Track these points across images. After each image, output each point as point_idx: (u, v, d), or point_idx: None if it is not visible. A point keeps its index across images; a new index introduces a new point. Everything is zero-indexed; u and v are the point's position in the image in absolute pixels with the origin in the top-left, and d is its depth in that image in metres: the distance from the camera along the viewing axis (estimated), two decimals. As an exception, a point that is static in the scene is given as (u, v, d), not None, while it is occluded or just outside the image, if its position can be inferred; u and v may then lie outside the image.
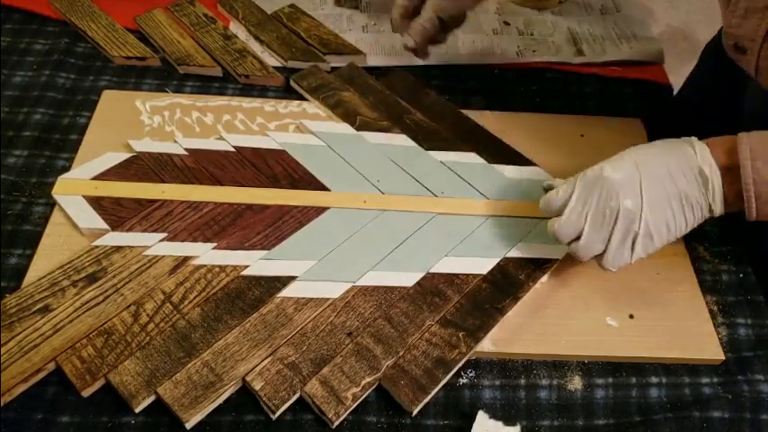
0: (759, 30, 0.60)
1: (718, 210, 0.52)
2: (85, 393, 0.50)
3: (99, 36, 0.78)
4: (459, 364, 0.53)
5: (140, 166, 0.65)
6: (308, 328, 0.54)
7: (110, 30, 0.79)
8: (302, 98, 0.74)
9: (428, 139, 0.70)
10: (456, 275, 0.58)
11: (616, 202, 0.51)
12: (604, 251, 0.53)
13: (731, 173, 0.51)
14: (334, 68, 0.78)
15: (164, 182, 0.63)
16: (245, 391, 0.52)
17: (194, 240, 0.59)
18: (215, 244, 0.59)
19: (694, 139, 0.54)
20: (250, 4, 0.85)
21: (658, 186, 0.52)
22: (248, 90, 0.76)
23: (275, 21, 0.83)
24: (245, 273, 0.57)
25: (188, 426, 0.49)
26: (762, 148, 0.50)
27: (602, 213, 0.52)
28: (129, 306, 0.54)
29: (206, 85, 0.75)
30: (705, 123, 0.61)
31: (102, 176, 0.63)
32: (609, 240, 0.53)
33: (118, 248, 0.58)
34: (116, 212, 0.60)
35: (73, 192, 0.62)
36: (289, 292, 0.56)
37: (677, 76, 0.86)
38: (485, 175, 0.67)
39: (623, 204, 0.51)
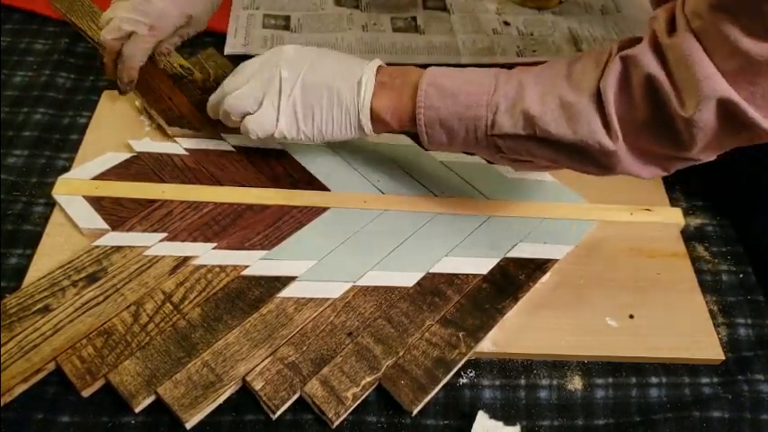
0: None
1: (366, 122, 0.55)
2: (85, 393, 0.50)
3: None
4: (460, 364, 0.53)
5: (140, 166, 0.65)
6: (308, 328, 0.54)
7: None
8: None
9: (428, 139, 0.70)
10: (456, 275, 0.58)
11: (277, 69, 0.56)
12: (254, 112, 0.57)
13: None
14: None
15: (164, 182, 0.63)
16: (245, 391, 0.52)
17: (194, 240, 0.59)
18: (215, 244, 0.59)
19: (376, 61, 0.56)
20: (223, 64, 0.76)
21: (321, 76, 0.55)
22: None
23: None
24: (245, 273, 0.57)
25: (188, 426, 0.49)
26: (440, 76, 0.53)
27: (264, 74, 0.56)
28: (130, 306, 0.54)
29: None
30: None
31: (102, 176, 0.63)
32: (261, 102, 0.56)
33: (118, 248, 0.58)
34: (116, 212, 0.60)
35: (73, 192, 0.62)
36: (289, 292, 0.56)
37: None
38: (485, 175, 0.67)
39: (282, 73, 0.55)
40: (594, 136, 0.48)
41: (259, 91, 0.56)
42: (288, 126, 0.56)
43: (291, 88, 0.55)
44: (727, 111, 0.44)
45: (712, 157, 0.49)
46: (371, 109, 0.55)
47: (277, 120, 0.56)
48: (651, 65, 0.45)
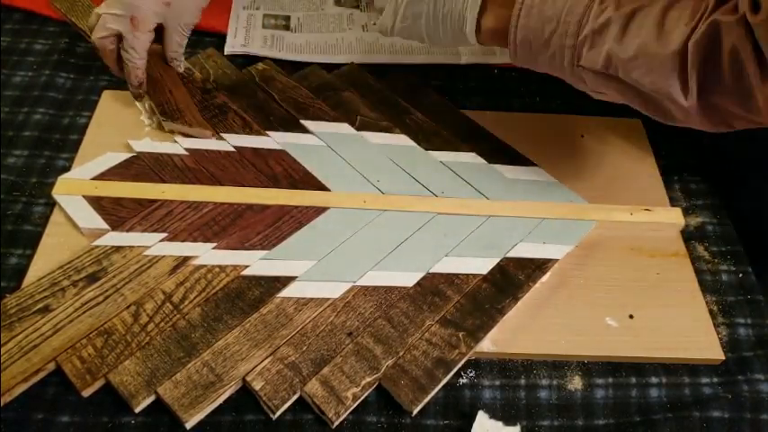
0: None
1: (469, 27, 0.56)
2: (85, 393, 0.50)
3: None
4: (460, 364, 0.53)
5: (140, 166, 0.65)
6: (308, 328, 0.54)
7: None
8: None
9: (428, 139, 0.70)
10: (456, 275, 0.58)
11: None
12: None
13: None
14: (332, 68, 0.78)
15: (164, 182, 0.63)
16: (245, 391, 0.52)
17: (194, 240, 0.59)
18: (215, 244, 0.59)
19: None
20: (223, 64, 0.76)
21: None
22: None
23: (250, 82, 0.74)
24: (245, 273, 0.57)
25: (188, 426, 0.49)
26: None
27: None
28: (130, 306, 0.54)
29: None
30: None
31: (102, 176, 0.63)
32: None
33: (118, 248, 0.58)
34: (116, 212, 0.60)
35: (73, 192, 0.62)
36: (289, 292, 0.56)
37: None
38: (485, 175, 0.67)
39: None
40: (670, 91, 0.49)
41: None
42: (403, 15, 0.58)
43: None
44: None
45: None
46: (480, 18, 0.56)
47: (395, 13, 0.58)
48: (740, 38, 0.46)
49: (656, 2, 0.51)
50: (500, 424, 0.51)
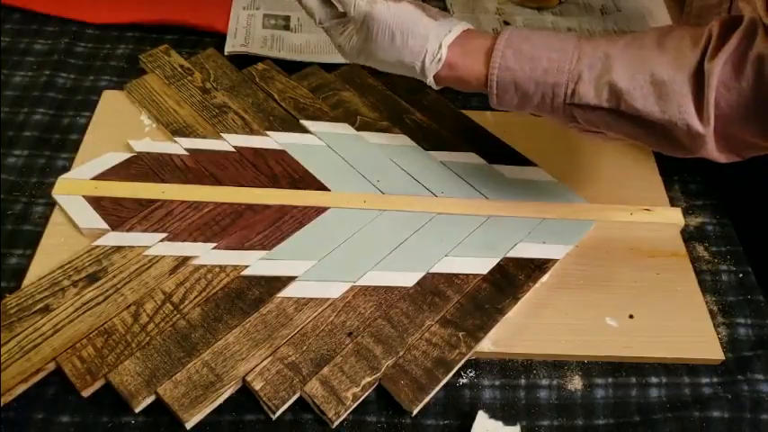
0: None
1: (428, 66, 0.53)
2: (85, 393, 0.50)
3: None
4: (460, 364, 0.53)
5: (140, 166, 0.65)
6: (308, 328, 0.54)
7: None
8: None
9: (428, 139, 0.70)
10: (456, 275, 0.58)
11: None
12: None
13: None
14: (332, 68, 0.78)
15: (164, 182, 0.63)
16: (245, 391, 0.52)
17: (194, 240, 0.59)
18: (215, 244, 0.59)
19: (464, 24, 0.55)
20: (223, 64, 0.76)
21: (410, 11, 0.53)
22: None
23: (250, 82, 0.74)
24: (245, 273, 0.57)
25: (188, 426, 0.49)
26: (518, 38, 0.52)
27: None
28: (130, 306, 0.54)
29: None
30: None
31: (102, 176, 0.63)
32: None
33: (118, 248, 0.58)
34: (116, 212, 0.60)
35: (73, 192, 0.62)
36: (289, 292, 0.56)
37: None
38: (485, 175, 0.67)
39: None
40: (684, 117, 0.47)
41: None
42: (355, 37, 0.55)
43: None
44: None
45: None
46: (447, 61, 0.53)
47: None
48: (762, 45, 0.44)
49: (645, 34, 0.51)
50: (500, 424, 0.51)
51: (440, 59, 0.53)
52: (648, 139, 0.51)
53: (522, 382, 0.54)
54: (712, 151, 0.49)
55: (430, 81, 0.54)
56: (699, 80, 0.47)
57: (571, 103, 0.51)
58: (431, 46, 0.53)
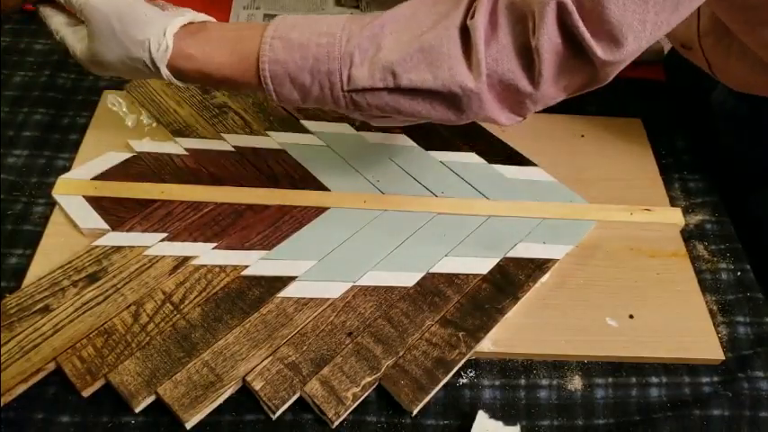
0: (691, 29, 0.61)
1: (156, 56, 0.49)
2: (85, 393, 0.50)
3: None
4: (459, 364, 0.53)
5: (140, 166, 0.65)
6: (308, 328, 0.54)
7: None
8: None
9: (428, 139, 0.70)
10: (456, 275, 0.58)
11: None
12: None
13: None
14: None
15: (164, 182, 0.63)
16: (245, 391, 0.52)
17: (194, 240, 0.59)
18: (215, 244, 0.59)
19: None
20: None
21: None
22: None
23: None
24: (245, 273, 0.57)
25: (188, 426, 0.49)
26: (286, 27, 0.48)
27: None
28: (130, 306, 0.54)
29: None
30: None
31: (102, 176, 0.63)
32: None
33: (118, 248, 0.58)
34: (116, 212, 0.60)
35: (73, 192, 0.62)
36: (289, 292, 0.56)
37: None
38: (485, 175, 0.67)
39: None
40: (456, 78, 0.46)
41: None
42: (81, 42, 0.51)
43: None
44: (565, 31, 0.43)
45: (558, 97, 0.48)
46: (177, 49, 0.49)
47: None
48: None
49: (411, 3, 0.49)
50: (500, 424, 0.51)
51: (166, 48, 0.48)
52: (434, 112, 0.49)
53: (522, 382, 0.54)
54: (492, 110, 0.48)
55: (166, 74, 0.50)
56: (465, 39, 0.46)
57: (350, 90, 0.48)
58: (154, 32, 0.48)
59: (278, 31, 0.48)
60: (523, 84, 0.46)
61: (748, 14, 0.54)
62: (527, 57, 0.45)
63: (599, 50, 0.44)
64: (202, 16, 0.51)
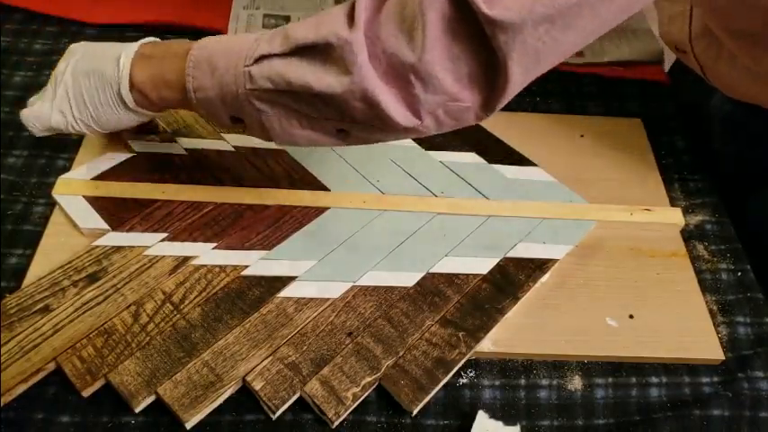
0: (683, 32, 0.62)
1: (126, 94, 0.54)
2: (85, 393, 0.50)
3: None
4: (459, 364, 0.53)
5: (140, 166, 0.65)
6: (309, 328, 0.54)
7: None
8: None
9: (428, 139, 0.70)
10: (456, 275, 0.58)
11: (57, 66, 0.57)
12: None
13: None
14: None
15: (164, 182, 0.63)
16: (245, 391, 0.52)
17: (194, 240, 0.59)
18: (215, 244, 0.59)
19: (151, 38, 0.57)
20: None
21: (90, 61, 0.56)
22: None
23: None
24: (245, 273, 0.57)
25: (188, 426, 0.49)
26: (206, 46, 0.51)
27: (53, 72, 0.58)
28: (130, 306, 0.54)
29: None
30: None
31: (102, 176, 0.63)
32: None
33: (118, 248, 0.58)
34: (116, 212, 0.60)
35: (73, 192, 0.62)
36: (289, 292, 0.56)
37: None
38: (485, 175, 0.67)
39: (59, 65, 0.57)
40: (334, 29, 0.45)
41: (41, 94, 0.58)
42: (61, 115, 0.57)
43: (62, 77, 0.56)
44: None
45: (446, 78, 0.44)
46: (132, 82, 0.54)
47: (51, 108, 0.57)
48: None
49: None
50: (500, 424, 0.51)
51: (123, 66, 0.53)
52: (316, 77, 0.46)
53: (522, 382, 0.54)
54: (376, 87, 0.45)
55: (125, 94, 0.54)
56: (351, 7, 0.46)
57: (250, 64, 0.48)
58: (119, 60, 0.54)
59: (199, 49, 0.51)
60: (405, 52, 0.44)
61: (726, 20, 0.54)
62: (410, 22, 0.43)
63: (482, 4, 0.41)
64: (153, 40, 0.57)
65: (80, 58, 0.56)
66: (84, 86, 0.56)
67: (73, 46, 0.58)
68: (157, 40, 0.57)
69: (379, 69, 0.45)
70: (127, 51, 0.54)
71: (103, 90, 0.55)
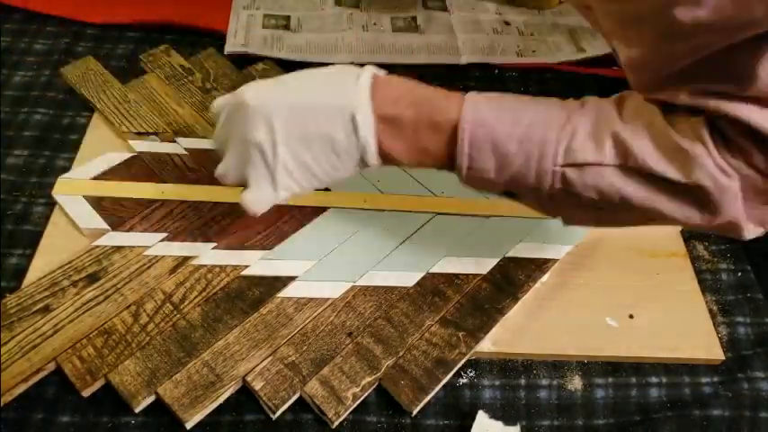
0: None
1: (372, 160, 0.45)
2: (85, 393, 0.50)
3: (108, 110, 0.69)
4: (459, 364, 0.53)
5: (140, 166, 0.65)
6: (308, 328, 0.54)
7: (121, 101, 0.70)
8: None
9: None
10: (456, 275, 0.58)
11: (246, 133, 0.45)
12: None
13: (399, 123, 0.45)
14: None
15: (164, 182, 0.63)
16: (245, 391, 0.52)
17: (194, 240, 0.59)
18: (215, 244, 0.59)
19: (369, 74, 0.45)
20: (223, 64, 0.76)
21: (303, 123, 0.45)
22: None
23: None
24: (245, 273, 0.57)
25: (188, 426, 0.49)
26: (483, 123, 0.44)
27: (236, 145, 0.47)
28: (130, 306, 0.54)
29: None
30: None
31: (102, 176, 0.63)
32: (246, 177, 0.47)
33: (118, 248, 0.58)
34: (116, 212, 0.60)
35: (73, 192, 0.62)
36: (289, 292, 0.56)
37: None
38: (485, 174, 0.67)
39: (254, 137, 0.45)
40: (710, 172, 0.40)
41: (239, 166, 0.48)
42: (287, 192, 0.47)
43: (273, 151, 0.45)
44: None
45: None
46: (381, 152, 0.45)
47: (275, 190, 0.47)
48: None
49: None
50: (500, 424, 0.51)
51: (364, 138, 0.44)
52: (671, 205, 0.42)
53: (522, 382, 0.54)
54: (735, 206, 0.41)
55: (373, 162, 0.46)
56: (703, 145, 0.40)
57: (565, 164, 0.42)
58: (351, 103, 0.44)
59: (474, 124, 0.43)
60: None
61: None
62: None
63: None
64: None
65: (285, 121, 0.45)
66: (311, 157, 0.46)
67: (244, 98, 0.45)
68: (379, 73, 0.46)
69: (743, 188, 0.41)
70: (362, 110, 0.44)
71: (338, 156, 0.45)
